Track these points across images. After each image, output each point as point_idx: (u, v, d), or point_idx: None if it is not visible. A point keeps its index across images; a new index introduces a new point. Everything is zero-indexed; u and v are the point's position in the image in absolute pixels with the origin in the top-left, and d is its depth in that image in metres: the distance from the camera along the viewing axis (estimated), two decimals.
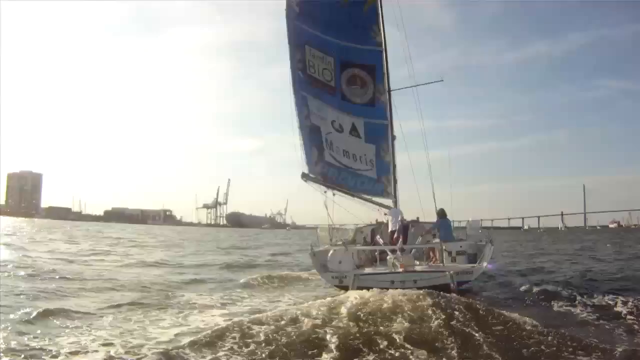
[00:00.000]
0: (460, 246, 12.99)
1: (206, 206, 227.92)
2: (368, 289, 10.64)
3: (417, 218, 15.82)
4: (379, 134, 15.85)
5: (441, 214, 13.71)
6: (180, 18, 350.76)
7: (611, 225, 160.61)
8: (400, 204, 15.86)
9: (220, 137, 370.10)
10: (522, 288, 13.02)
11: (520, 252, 33.98)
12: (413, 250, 13.14)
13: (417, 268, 12.17)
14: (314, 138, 15.60)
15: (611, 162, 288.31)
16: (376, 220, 16.47)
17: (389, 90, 15.83)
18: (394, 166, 15.98)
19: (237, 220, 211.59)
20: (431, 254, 13.53)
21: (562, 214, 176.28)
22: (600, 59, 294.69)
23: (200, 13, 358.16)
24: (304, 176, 15.35)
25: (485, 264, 11.76)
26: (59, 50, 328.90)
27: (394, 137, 15.94)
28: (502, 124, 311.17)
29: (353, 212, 15.66)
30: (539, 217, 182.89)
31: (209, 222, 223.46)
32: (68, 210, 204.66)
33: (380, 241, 13.76)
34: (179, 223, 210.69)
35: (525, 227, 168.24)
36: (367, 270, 12.54)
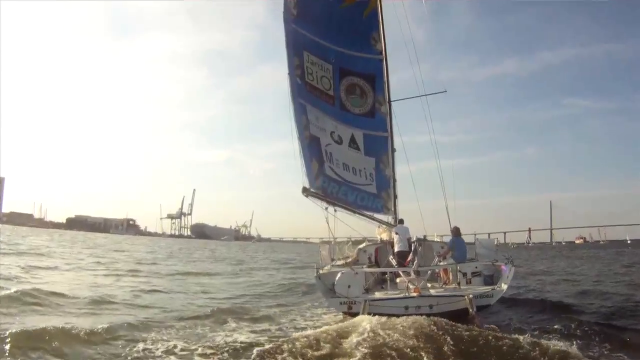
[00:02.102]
0: (476, 267, 12.08)
1: (170, 216, 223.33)
2: (380, 315, 9.73)
3: (424, 236, 14.94)
4: (379, 146, 14.99)
5: (456, 232, 12.81)
6: (152, 25, 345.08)
7: (577, 241, 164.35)
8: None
9: (187, 147, 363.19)
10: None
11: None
12: (428, 272, 12.22)
13: (432, 292, 11.20)
14: (313, 149, 14.66)
15: (578, 179, 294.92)
16: (380, 239, 15.54)
17: (390, 101, 15.03)
18: (395, 181, 15.15)
19: (201, 232, 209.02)
20: (443, 275, 12.63)
21: (529, 230, 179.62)
22: (570, 78, 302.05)
23: (173, 20, 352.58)
24: (305, 191, 14.32)
25: (505, 286, 10.85)
26: (23, 51, 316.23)
27: (394, 150, 15.13)
28: (470, 141, 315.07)
29: (353, 228, 14.80)
30: (505, 232, 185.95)
31: (173, 232, 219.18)
32: (30, 216, 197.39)
33: (394, 262, 12.78)
34: (143, 233, 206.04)
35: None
36: (379, 295, 11.48)
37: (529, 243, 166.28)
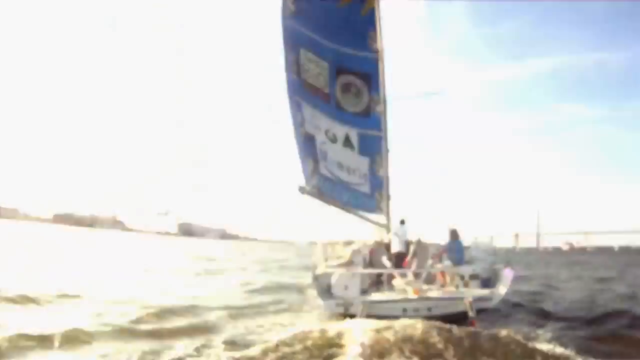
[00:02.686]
0: (474, 269, 11.89)
1: (157, 214, 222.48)
2: (378, 317, 9.53)
3: (419, 238, 14.76)
4: (373, 146, 14.78)
5: (453, 235, 12.66)
6: (146, 23, 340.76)
7: (564, 247, 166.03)
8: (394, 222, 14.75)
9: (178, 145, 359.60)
10: None
11: None
12: (424, 274, 12.05)
13: (431, 294, 10.95)
14: (308, 148, 14.49)
15: (566, 185, 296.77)
16: (375, 240, 15.35)
17: (385, 101, 14.87)
18: (388, 181, 14.97)
19: (188, 230, 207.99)
20: (440, 277, 12.46)
21: (516, 235, 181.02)
22: (561, 84, 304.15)
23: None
24: (301, 189, 14.12)
25: (504, 289, 10.66)
26: (15, 44, 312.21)
27: (387, 150, 14.95)
28: (461, 145, 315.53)
29: (350, 228, 14.61)
30: (492, 237, 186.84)
31: (159, 230, 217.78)
32: (15, 211, 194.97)
33: (388, 263, 12.57)
34: (129, 229, 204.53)
35: None
36: (376, 296, 11.17)
37: (515, 248, 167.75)
